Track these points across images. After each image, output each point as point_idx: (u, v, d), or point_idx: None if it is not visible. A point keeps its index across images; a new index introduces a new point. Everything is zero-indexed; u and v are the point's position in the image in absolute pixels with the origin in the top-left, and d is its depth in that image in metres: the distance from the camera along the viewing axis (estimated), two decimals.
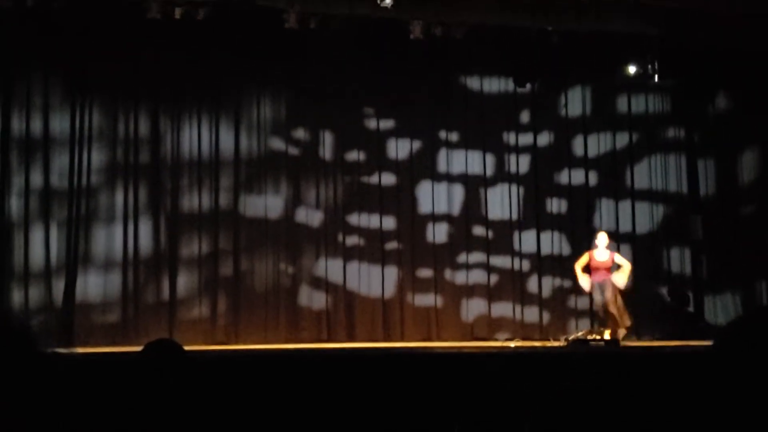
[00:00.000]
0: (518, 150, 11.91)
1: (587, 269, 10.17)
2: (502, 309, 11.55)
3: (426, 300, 11.34)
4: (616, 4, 10.54)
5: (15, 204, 10.23)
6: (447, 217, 11.63)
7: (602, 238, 10.23)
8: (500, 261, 11.67)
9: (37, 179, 10.33)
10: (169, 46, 10.51)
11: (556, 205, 11.94)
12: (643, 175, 12.22)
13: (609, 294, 9.97)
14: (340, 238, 11.25)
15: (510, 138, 11.91)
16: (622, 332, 10.01)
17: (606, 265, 10.12)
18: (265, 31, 10.57)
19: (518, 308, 11.57)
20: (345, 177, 11.37)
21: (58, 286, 10.22)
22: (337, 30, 10.47)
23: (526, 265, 11.73)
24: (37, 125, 10.39)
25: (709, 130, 12.38)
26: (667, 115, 12.39)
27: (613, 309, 9.91)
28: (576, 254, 11.82)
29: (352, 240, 11.30)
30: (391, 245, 11.40)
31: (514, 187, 11.84)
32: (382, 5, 9.52)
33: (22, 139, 10.32)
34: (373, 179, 11.46)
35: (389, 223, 11.44)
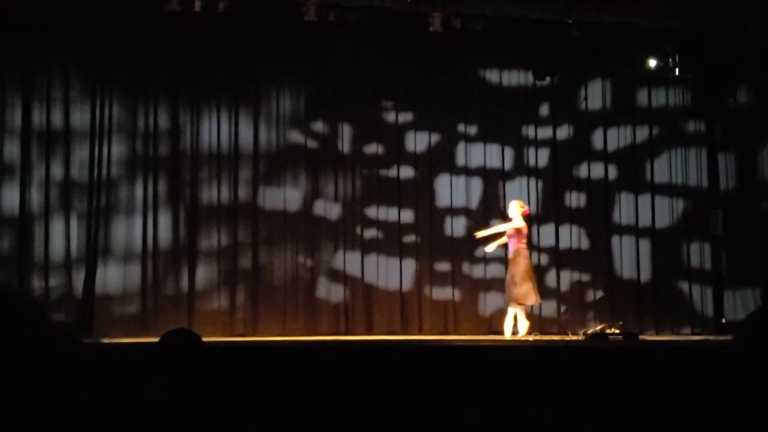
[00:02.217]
0: (537, 143, 11.88)
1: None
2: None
3: (444, 293, 11.34)
4: None
5: (35, 196, 10.29)
6: (465, 211, 11.61)
7: (515, 207, 10.11)
8: None
9: (57, 171, 10.38)
10: (189, 38, 10.54)
11: (575, 199, 11.90)
12: (663, 169, 12.15)
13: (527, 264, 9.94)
14: (358, 231, 11.25)
15: (529, 131, 11.88)
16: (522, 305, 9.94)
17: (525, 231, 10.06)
18: (284, 23, 10.59)
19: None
20: (363, 170, 11.37)
21: (78, 278, 10.27)
22: (355, 22, 10.47)
23: (544, 259, 11.69)
24: (57, 117, 10.44)
25: (729, 124, 12.28)
26: (688, 108, 12.30)
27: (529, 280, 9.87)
28: (595, 248, 11.81)
29: (371, 233, 11.30)
30: (410, 238, 11.40)
31: (532, 181, 11.80)
32: None
33: (42, 131, 10.38)
34: (392, 172, 11.46)
35: (407, 216, 11.44)
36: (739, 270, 11.93)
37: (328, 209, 11.20)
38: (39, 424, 1.24)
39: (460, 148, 11.70)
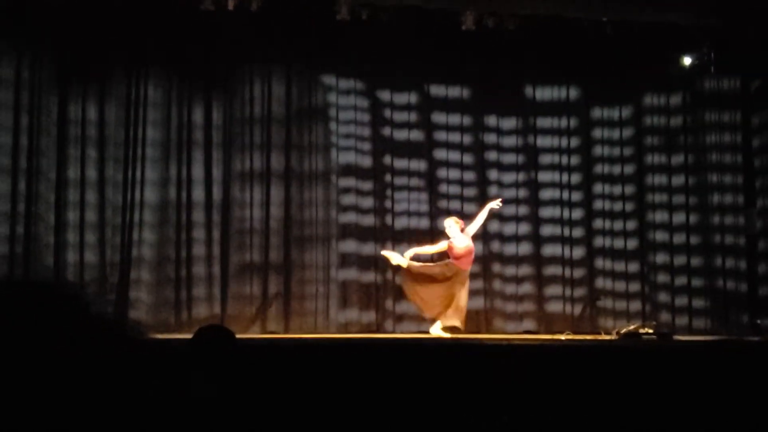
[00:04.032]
0: (570, 132, 11.81)
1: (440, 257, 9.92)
2: (553, 302, 11.49)
3: (476, 292, 11.31)
4: None
5: (71, 197, 10.40)
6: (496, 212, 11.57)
7: (451, 224, 9.73)
8: (551, 253, 11.61)
9: (91, 172, 10.49)
10: (223, 37, 10.61)
11: (608, 203, 11.81)
12: (697, 165, 12.04)
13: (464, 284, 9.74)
14: (389, 226, 11.25)
15: (561, 123, 11.81)
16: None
17: (471, 251, 9.74)
18: (316, 22, 10.63)
19: (569, 301, 11.51)
20: (395, 170, 11.36)
21: (113, 274, 10.39)
22: (387, 21, 10.48)
23: (576, 256, 11.64)
24: (92, 112, 10.54)
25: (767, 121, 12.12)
26: (723, 105, 12.12)
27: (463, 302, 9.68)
28: (628, 248, 11.73)
29: (403, 232, 11.29)
30: (442, 238, 11.37)
31: (565, 176, 11.73)
32: None
33: (77, 129, 10.48)
34: (422, 166, 11.44)
35: (442, 216, 11.42)
36: None
37: (361, 206, 11.22)
38: (70, 417, 1.25)
39: (493, 145, 11.67)
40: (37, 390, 1.26)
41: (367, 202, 11.25)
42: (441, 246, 9.89)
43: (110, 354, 1.31)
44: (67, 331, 1.29)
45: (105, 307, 10.12)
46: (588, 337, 10.24)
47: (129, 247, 10.44)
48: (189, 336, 3.17)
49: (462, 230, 9.74)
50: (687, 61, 11.61)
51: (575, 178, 11.80)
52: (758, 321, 11.67)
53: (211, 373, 2.54)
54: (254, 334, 10.12)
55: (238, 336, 3.25)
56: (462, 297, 9.67)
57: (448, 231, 9.77)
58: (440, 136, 11.53)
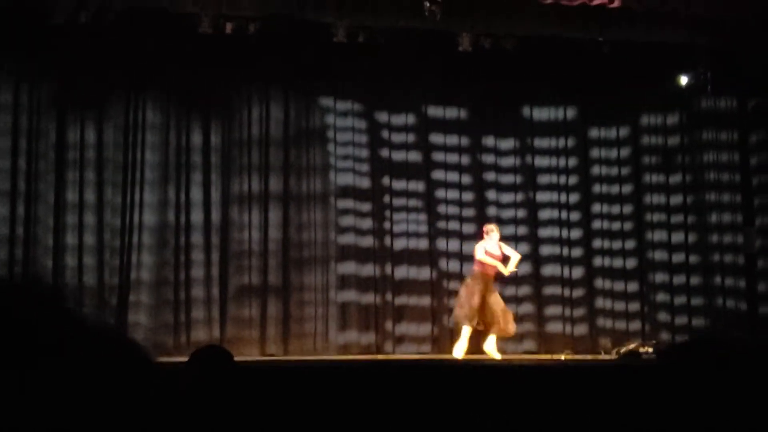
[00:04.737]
0: (567, 153, 11.82)
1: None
2: (552, 322, 11.46)
3: None
4: (668, 14, 10.41)
5: (70, 220, 10.40)
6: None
7: (496, 233, 9.99)
8: (550, 274, 11.59)
9: (90, 195, 10.48)
10: (221, 59, 10.64)
11: (606, 222, 11.80)
12: (695, 185, 12.04)
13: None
14: (388, 247, 11.24)
15: (559, 143, 11.83)
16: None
17: (499, 259, 9.91)
18: (313, 45, 10.67)
19: (568, 321, 11.48)
20: (393, 191, 11.37)
21: (111, 301, 10.36)
22: (384, 43, 10.51)
23: (575, 276, 11.63)
24: (91, 136, 10.55)
25: (764, 140, 12.13)
26: (721, 124, 12.14)
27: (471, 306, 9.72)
28: (627, 267, 11.72)
29: (402, 253, 11.28)
30: (440, 257, 11.37)
31: (563, 195, 11.74)
32: (427, 13, 9.53)
33: (76, 152, 10.49)
34: (420, 187, 11.45)
35: (440, 237, 11.42)
36: None
37: (359, 229, 11.21)
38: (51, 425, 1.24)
39: (491, 165, 11.69)
40: (25, 396, 1.24)
41: (366, 224, 11.25)
42: (496, 249, 9.94)
43: (110, 368, 1.30)
44: (48, 332, 1.26)
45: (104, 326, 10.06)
46: (588, 356, 10.21)
47: (128, 269, 10.43)
48: (185, 359, 3.16)
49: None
50: (684, 80, 11.64)
51: (573, 197, 11.80)
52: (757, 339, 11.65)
53: (208, 394, 2.53)
54: (253, 357, 10.08)
55: (237, 358, 3.23)
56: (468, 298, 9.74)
57: (491, 235, 9.91)
58: (438, 156, 11.55)
